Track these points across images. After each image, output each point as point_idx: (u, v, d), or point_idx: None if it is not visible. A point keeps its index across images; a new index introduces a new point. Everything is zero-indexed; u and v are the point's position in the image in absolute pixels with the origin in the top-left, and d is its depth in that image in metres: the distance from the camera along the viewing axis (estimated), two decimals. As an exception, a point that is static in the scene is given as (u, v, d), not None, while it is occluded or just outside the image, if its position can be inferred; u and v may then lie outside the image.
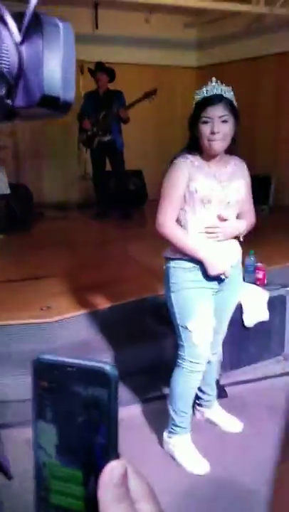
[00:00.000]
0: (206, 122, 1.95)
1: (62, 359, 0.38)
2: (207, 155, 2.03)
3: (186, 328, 2.11)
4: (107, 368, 0.36)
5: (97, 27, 6.21)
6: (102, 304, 3.18)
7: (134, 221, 5.76)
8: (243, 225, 2.11)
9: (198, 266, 2.05)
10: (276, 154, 6.70)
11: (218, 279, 2.10)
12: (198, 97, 1.98)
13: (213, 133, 1.94)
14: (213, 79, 1.99)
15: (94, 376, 0.37)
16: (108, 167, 5.85)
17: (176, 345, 2.21)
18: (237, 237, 2.13)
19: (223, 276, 2.09)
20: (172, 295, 2.11)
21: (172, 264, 2.09)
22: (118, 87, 5.59)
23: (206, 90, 1.97)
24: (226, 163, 2.07)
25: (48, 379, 0.38)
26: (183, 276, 2.07)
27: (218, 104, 1.95)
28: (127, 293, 3.32)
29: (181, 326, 2.12)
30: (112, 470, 0.35)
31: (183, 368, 2.17)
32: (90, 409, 0.37)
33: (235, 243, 2.15)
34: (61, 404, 0.37)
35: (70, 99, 0.59)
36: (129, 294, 3.31)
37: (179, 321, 2.13)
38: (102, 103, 5.50)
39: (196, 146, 2.02)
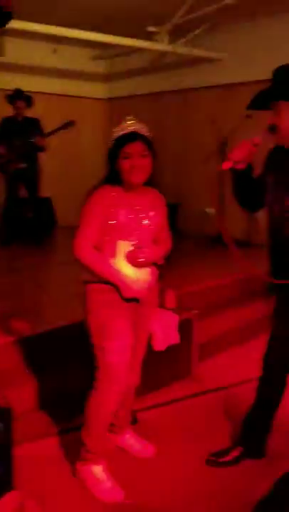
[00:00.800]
0: (126, 158, 2.05)
1: None
2: (127, 186, 2.11)
3: (103, 348, 2.11)
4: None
5: (3, 54, 6.16)
6: (10, 335, 3.05)
7: (43, 248, 5.68)
8: (160, 252, 2.23)
9: (116, 287, 2.10)
10: (181, 184, 7.01)
11: (135, 299, 2.15)
12: (116, 134, 2.08)
13: (133, 167, 2.05)
14: (129, 117, 2.12)
15: None
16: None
17: (93, 368, 2.18)
18: (154, 263, 2.22)
19: (138, 297, 2.15)
20: (91, 316, 2.13)
21: (91, 286, 2.13)
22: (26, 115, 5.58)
23: (123, 127, 2.08)
24: (143, 194, 2.16)
25: None
26: (101, 298, 2.12)
27: (137, 140, 2.07)
28: (40, 322, 3.23)
29: (98, 347, 2.12)
30: (6, 503, 0.35)
31: (99, 390, 2.15)
32: None
33: (152, 268, 2.22)
34: None
35: None
36: (43, 323, 3.22)
37: (96, 342, 2.13)
38: (19, 130, 5.48)
39: (115, 178, 2.10)
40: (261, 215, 6.43)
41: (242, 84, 6.09)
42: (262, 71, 5.74)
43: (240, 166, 2.05)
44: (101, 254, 2.11)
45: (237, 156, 2.02)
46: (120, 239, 2.10)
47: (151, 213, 2.16)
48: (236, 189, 2.18)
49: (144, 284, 2.16)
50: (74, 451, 2.30)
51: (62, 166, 6.97)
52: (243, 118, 6.02)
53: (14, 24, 5.03)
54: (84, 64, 7.19)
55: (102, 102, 7.63)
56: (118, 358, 2.13)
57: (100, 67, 7.51)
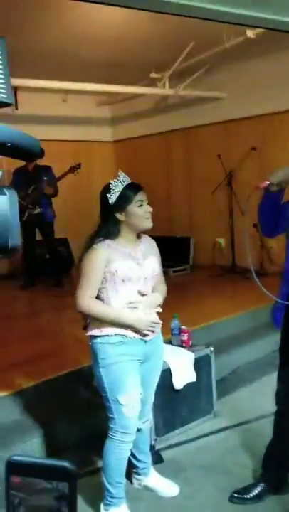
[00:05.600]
0: (141, 205, 2.19)
1: (31, 459, 0.48)
2: (126, 235, 2.20)
3: (117, 401, 2.20)
4: (67, 464, 0.47)
5: (16, 108, 6.50)
6: (29, 381, 3.14)
7: (63, 289, 5.84)
8: (160, 298, 2.30)
9: (124, 340, 2.18)
10: (192, 217, 7.20)
11: (145, 339, 2.22)
12: (120, 187, 2.17)
13: (148, 212, 2.20)
14: (120, 170, 2.22)
15: (57, 472, 0.47)
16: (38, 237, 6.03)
17: (106, 418, 2.28)
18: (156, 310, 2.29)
19: (152, 329, 2.21)
20: (102, 370, 2.20)
21: (99, 340, 2.20)
22: (40, 162, 5.86)
23: (123, 180, 2.19)
24: (139, 242, 2.28)
25: (20, 475, 0.48)
26: (111, 351, 2.18)
27: (142, 188, 2.22)
28: (57, 366, 3.34)
29: (112, 400, 2.20)
30: None
31: (114, 439, 2.25)
32: (55, 501, 0.46)
33: (156, 315, 2.29)
34: (30, 498, 0.46)
35: (16, 245, 0.75)
36: (61, 366, 3.34)
37: (109, 395, 2.21)
38: (31, 178, 5.81)
39: (114, 230, 2.19)
40: (274, 245, 6.50)
41: (242, 119, 6.34)
42: (259, 107, 6.03)
43: (274, 189, 2.10)
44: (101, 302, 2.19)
45: (275, 179, 2.07)
46: (122, 288, 2.17)
47: (149, 260, 2.26)
48: (263, 210, 2.24)
49: (152, 312, 2.24)
50: (96, 493, 2.39)
51: (73, 207, 7.21)
52: (247, 151, 6.26)
53: (26, 83, 5.36)
54: (91, 110, 7.53)
55: (109, 144, 7.93)
56: (131, 409, 2.23)
57: (105, 112, 7.85)
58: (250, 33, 4.85)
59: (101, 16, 4.41)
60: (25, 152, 0.77)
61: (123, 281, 2.17)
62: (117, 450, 2.27)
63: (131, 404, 2.23)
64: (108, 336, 2.18)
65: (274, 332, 4.16)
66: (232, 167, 6.39)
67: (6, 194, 0.72)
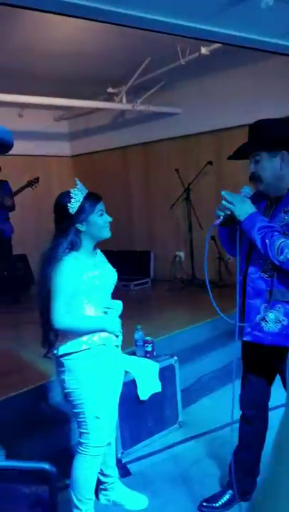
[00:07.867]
0: (102, 215, 2.17)
1: (4, 462, 0.42)
2: (87, 245, 2.18)
3: (96, 416, 2.14)
4: (46, 466, 0.42)
5: None
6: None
7: (21, 305, 5.70)
8: (121, 304, 2.29)
9: (98, 353, 2.14)
10: (151, 231, 7.24)
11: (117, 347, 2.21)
12: (80, 196, 2.13)
13: (108, 222, 2.19)
14: (77, 179, 2.19)
15: (35, 475, 0.41)
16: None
17: (78, 434, 2.21)
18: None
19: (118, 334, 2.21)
20: (81, 387, 2.12)
21: (75, 356, 2.12)
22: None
23: (82, 190, 2.16)
24: (95, 252, 2.27)
25: None
26: (87, 367, 2.12)
27: (102, 198, 2.20)
28: (18, 383, 3.24)
29: (90, 415, 2.14)
30: None
31: (87, 455, 2.19)
32: (34, 507, 0.40)
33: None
34: (7, 506, 0.41)
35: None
36: (22, 383, 3.23)
37: (86, 411, 2.14)
38: None
39: (77, 241, 2.15)
40: (231, 257, 6.59)
41: (198, 134, 6.47)
42: (214, 122, 6.18)
43: (227, 225, 2.15)
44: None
45: (222, 217, 2.07)
46: (95, 298, 2.16)
47: (108, 268, 2.27)
48: (222, 239, 2.31)
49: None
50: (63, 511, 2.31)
51: (32, 223, 7.10)
52: (204, 165, 6.38)
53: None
54: (48, 125, 7.49)
55: (68, 159, 7.91)
56: (109, 423, 2.20)
57: (63, 127, 7.83)
58: (205, 50, 4.98)
59: (57, 31, 4.42)
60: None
61: (96, 290, 2.16)
62: (90, 465, 2.21)
63: (109, 418, 2.19)
64: (87, 349, 2.12)
65: (235, 340, 4.19)
66: (190, 181, 6.49)
67: None
